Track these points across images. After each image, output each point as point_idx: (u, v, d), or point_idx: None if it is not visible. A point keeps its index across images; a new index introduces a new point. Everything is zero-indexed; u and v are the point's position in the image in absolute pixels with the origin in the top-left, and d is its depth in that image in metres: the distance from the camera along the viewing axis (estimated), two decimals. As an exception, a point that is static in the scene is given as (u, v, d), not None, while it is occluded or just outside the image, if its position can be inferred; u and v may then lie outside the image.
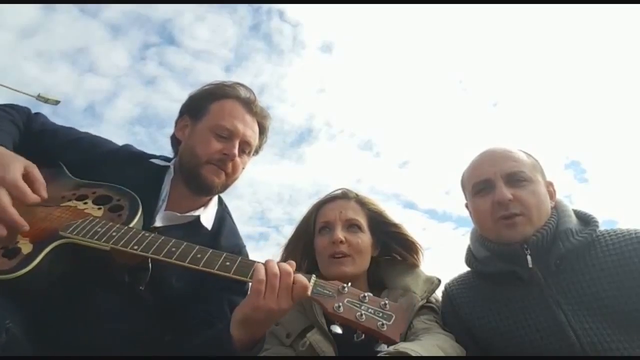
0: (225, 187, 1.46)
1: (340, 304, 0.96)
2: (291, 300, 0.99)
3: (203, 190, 1.42)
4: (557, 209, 1.38)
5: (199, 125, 1.44)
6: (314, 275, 1.03)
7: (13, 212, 1.01)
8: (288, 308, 0.99)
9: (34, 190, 1.09)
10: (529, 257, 1.28)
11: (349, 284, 1.02)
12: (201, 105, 1.47)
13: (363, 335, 0.95)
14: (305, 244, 1.54)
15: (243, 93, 1.48)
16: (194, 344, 1.19)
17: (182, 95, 1.55)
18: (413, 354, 1.01)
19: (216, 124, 1.41)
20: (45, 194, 1.12)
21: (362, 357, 1.20)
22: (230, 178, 1.44)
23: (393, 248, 1.55)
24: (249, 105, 1.47)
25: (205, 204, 1.47)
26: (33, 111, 1.50)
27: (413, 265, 1.52)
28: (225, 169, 1.40)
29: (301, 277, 1.00)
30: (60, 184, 1.30)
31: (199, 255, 1.04)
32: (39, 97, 12.61)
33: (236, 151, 1.39)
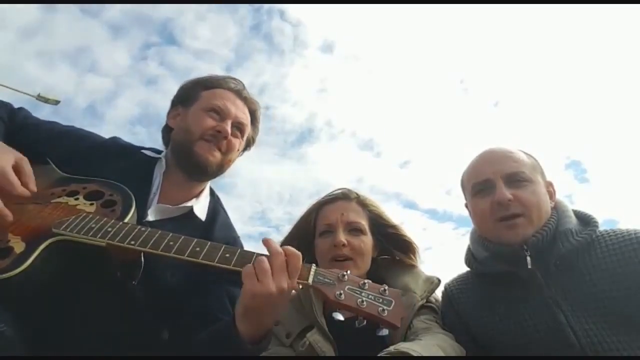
0: (220, 167, 1.45)
1: (341, 291, 0.97)
2: (289, 278, 0.97)
3: (198, 169, 1.41)
4: (557, 209, 1.38)
5: (191, 109, 1.46)
6: (313, 265, 1.03)
7: None
8: (289, 288, 0.97)
9: (23, 184, 1.08)
10: (528, 258, 1.27)
11: (349, 271, 1.02)
12: (193, 93, 1.49)
13: (365, 322, 0.96)
14: (302, 243, 1.52)
15: (233, 84, 1.53)
16: (198, 341, 1.16)
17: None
18: (414, 354, 1.01)
19: (209, 103, 1.44)
20: (34, 188, 1.11)
21: (362, 357, 1.19)
22: (225, 157, 1.44)
23: (391, 248, 1.55)
24: (239, 92, 1.53)
25: (197, 195, 1.46)
26: (34, 111, 1.48)
27: (412, 265, 1.51)
28: (219, 146, 1.41)
29: (292, 250, 1.00)
30: (49, 180, 1.27)
31: (197, 249, 1.02)
32: (39, 97, 12.59)
33: (229, 129, 1.41)
